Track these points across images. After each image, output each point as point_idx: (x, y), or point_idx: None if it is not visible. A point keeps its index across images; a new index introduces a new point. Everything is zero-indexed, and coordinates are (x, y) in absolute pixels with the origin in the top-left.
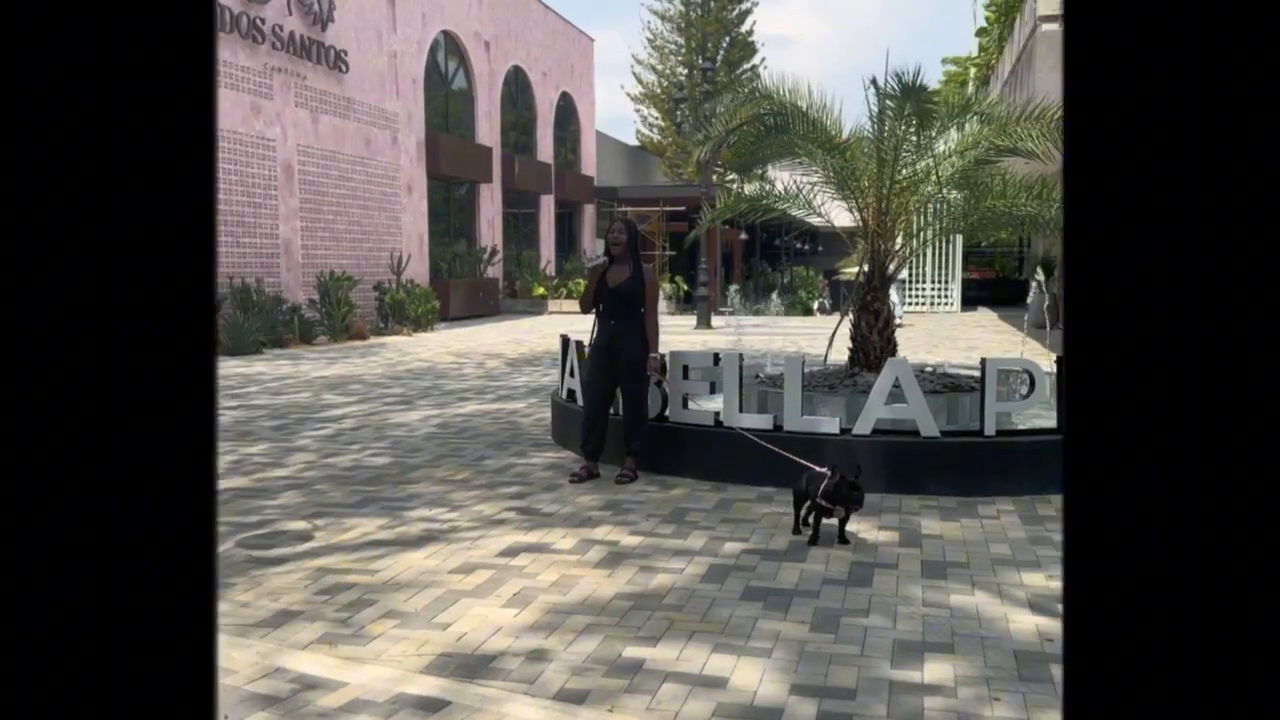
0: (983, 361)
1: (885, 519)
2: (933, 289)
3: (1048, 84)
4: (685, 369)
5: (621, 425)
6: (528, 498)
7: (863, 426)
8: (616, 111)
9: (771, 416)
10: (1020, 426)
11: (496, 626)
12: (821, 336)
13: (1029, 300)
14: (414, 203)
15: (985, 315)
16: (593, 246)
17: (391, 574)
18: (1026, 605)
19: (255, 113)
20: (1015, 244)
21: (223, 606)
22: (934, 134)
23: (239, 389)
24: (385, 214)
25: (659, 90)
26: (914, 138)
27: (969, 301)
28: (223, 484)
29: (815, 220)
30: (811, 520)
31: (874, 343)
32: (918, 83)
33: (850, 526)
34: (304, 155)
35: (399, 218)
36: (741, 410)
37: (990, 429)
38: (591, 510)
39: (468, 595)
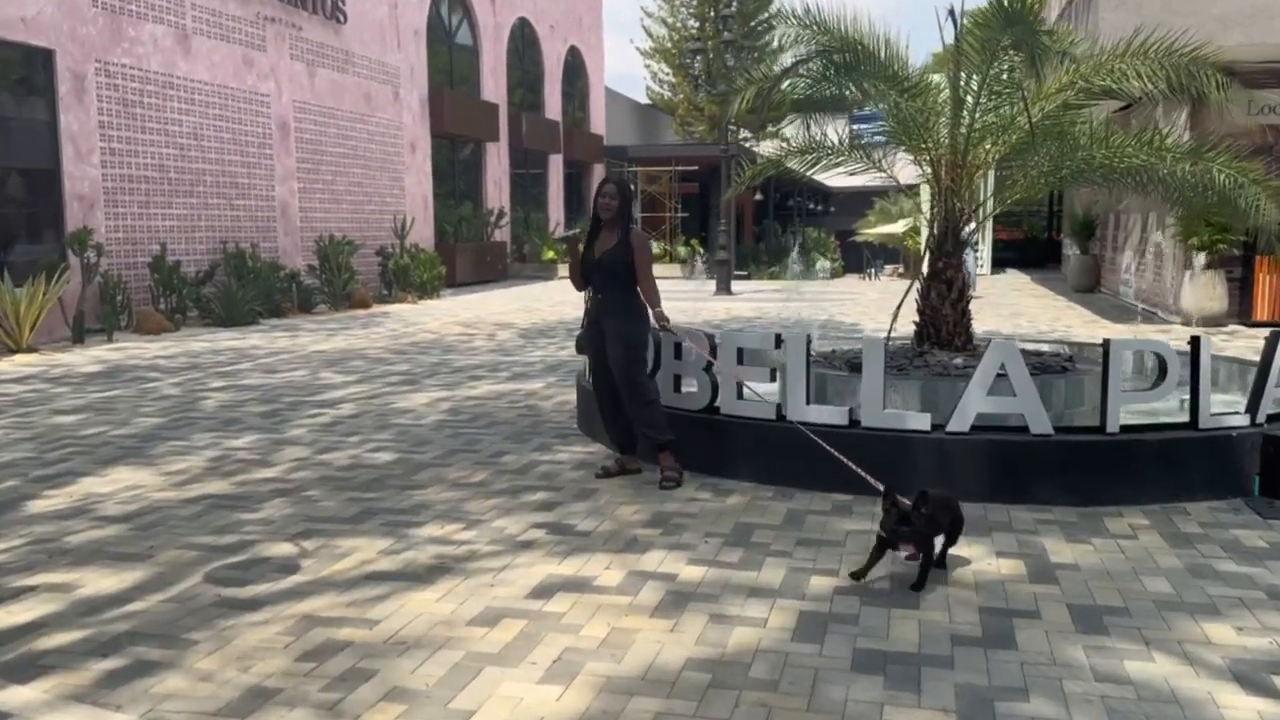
0: (1106, 343)
1: (999, 540)
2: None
3: (1112, 23)
4: (740, 353)
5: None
6: (557, 509)
7: (960, 423)
8: (624, 69)
9: (846, 410)
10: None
11: (537, 718)
12: (850, 302)
13: (1070, 262)
14: (417, 162)
15: (1017, 278)
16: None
17: (395, 626)
18: (1229, 676)
19: (247, 66)
20: (1043, 203)
21: (178, 682)
22: (1046, 72)
23: (229, 366)
24: (387, 175)
25: (670, 44)
26: (1006, 76)
27: (996, 264)
28: (197, 489)
29: (861, 177)
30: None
31: (946, 316)
32: (1024, 8)
33: (960, 548)
34: (300, 112)
35: (402, 178)
36: (810, 402)
37: (1113, 425)
38: (636, 527)
39: (493, 661)
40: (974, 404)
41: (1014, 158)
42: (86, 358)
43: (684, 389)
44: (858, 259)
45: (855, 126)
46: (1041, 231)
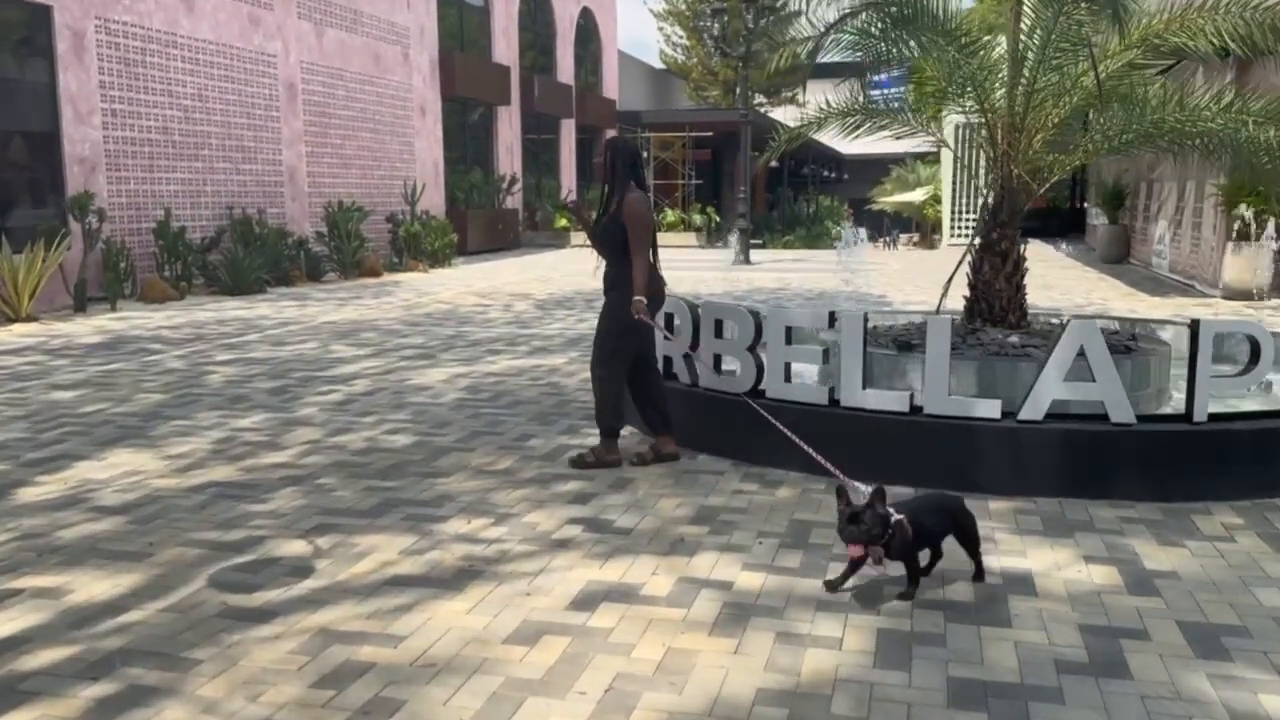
0: (1195, 324)
1: (1084, 542)
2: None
3: None
4: (789, 332)
5: (655, 393)
6: (592, 501)
7: (1033, 410)
8: (636, 34)
9: (907, 396)
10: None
11: None
12: (873, 272)
13: (1097, 233)
14: (428, 126)
15: (1039, 248)
16: None
17: (423, 643)
18: None
19: (254, 25)
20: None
21: (177, 713)
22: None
23: (236, 338)
24: (397, 139)
25: (684, 6)
26: (1075, 32)
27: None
28: (203, 475)
29: (875, 144)
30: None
31: (1000, 290)
32: None
33: (1043, 551)
34: (308, 73)
35: (412, 143)
36: (867, 387)
37: (1201, 414)
38: (681, 524)
39: (536, 690)
40: (1049, 389)
41: (1075, 121)
42: (88, 327)
43: (724, 369)
44: (874, 228)
45: (873, 92)
46: (1064, 201)
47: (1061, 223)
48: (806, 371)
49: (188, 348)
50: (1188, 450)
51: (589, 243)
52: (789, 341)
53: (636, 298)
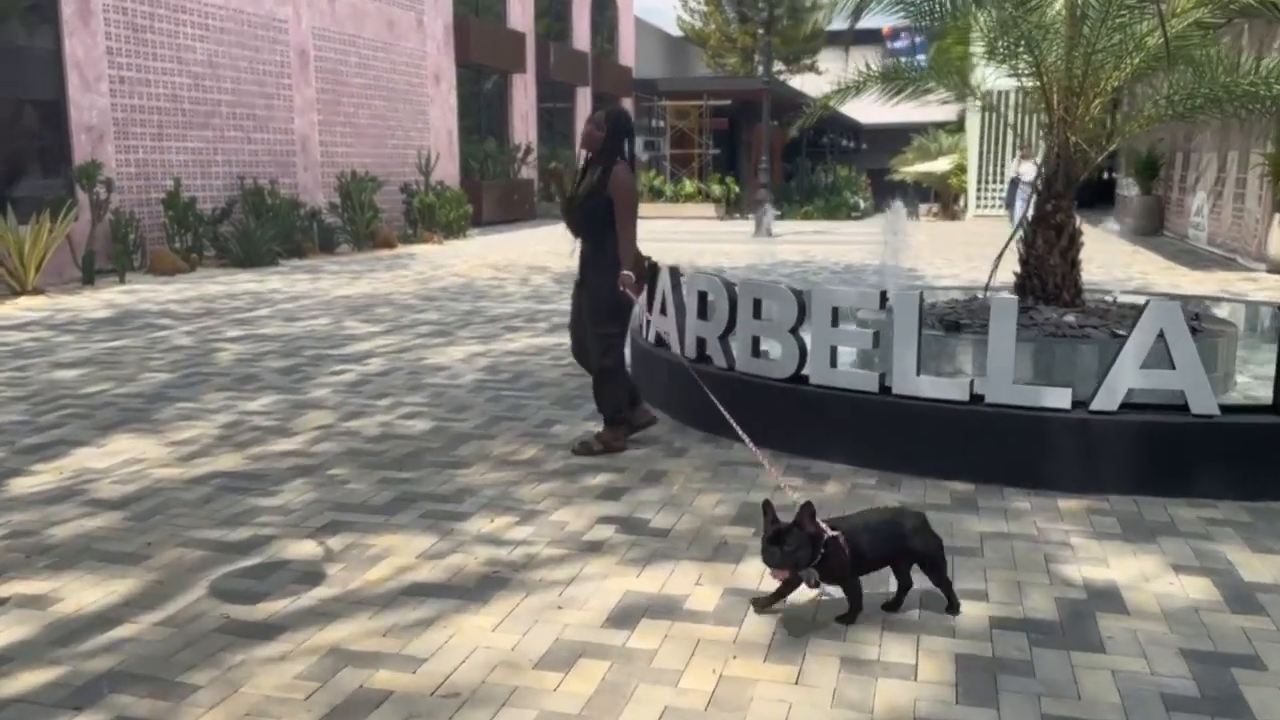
0: None
1: (1168, 547)
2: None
3: None
4: (834, 313)
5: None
6: (624, 496)
7: (1108, 399)
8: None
9: (966, 384)
10: None
11: None
12: (897, 244)
13: (1129, 204)
14: (442, 95)
15: None
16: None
17: (446, 666)
18: None
19: None
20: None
21: None
22: None
23: (247, 312)
24: (411, 107)
25: None
26: None
27: None
28: (207, 464)
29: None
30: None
31: (1054, 267)
32: None
33: (1127, 559)
34: (320, 39)
35: (426, 111)
36: (920, 373)
37: None
38: (722, 524)
39: None
40: (1126, 377)
41: (1138, 83)
42: (95, 301)
43: (763, 352)
44: (898, 197)
45: (888, 60)
46: (1094, 171)
47: (1089, 194)
48: (845, 355)
49: (197, 323)
50: (1272, 444)
51: (563, 218)
52: (835, 323)
53: (625, 272)
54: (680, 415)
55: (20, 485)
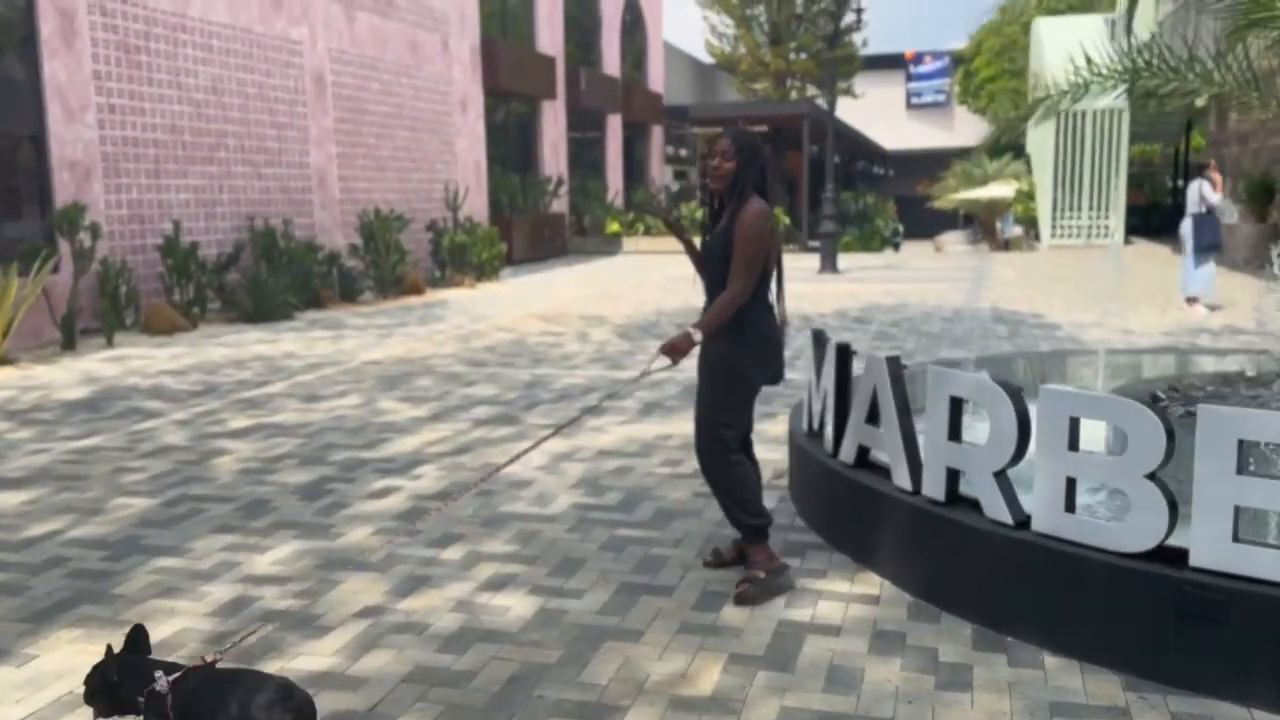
0: None
1: None
2: (1090, 217)
3: None
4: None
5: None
6: None
7: None
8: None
9: None
10: None
11: None
12: (984, 281)
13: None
14: (469, 124)
15: (1152, 247)
16: (661, 174)
17: None
18: None
19: (275, 7)
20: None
21: None
22: None
23: (257, 388)
24: (437, 137)
25: None
26: None
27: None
28: None
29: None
30: None
31: None
32: None
33: None
34: (338, 63)
35: (453, 142)
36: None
37: None
38: None
39: None
40: None
41: None
42: (73, 373)
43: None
44: (924, 226)
45: (911, 84)
46: (1165, 195)
47: (1162, 221)
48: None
49: (193, 407)
50: None
51: (693, 268)
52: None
53: (690, 329)
54: (911, 585)
55: None
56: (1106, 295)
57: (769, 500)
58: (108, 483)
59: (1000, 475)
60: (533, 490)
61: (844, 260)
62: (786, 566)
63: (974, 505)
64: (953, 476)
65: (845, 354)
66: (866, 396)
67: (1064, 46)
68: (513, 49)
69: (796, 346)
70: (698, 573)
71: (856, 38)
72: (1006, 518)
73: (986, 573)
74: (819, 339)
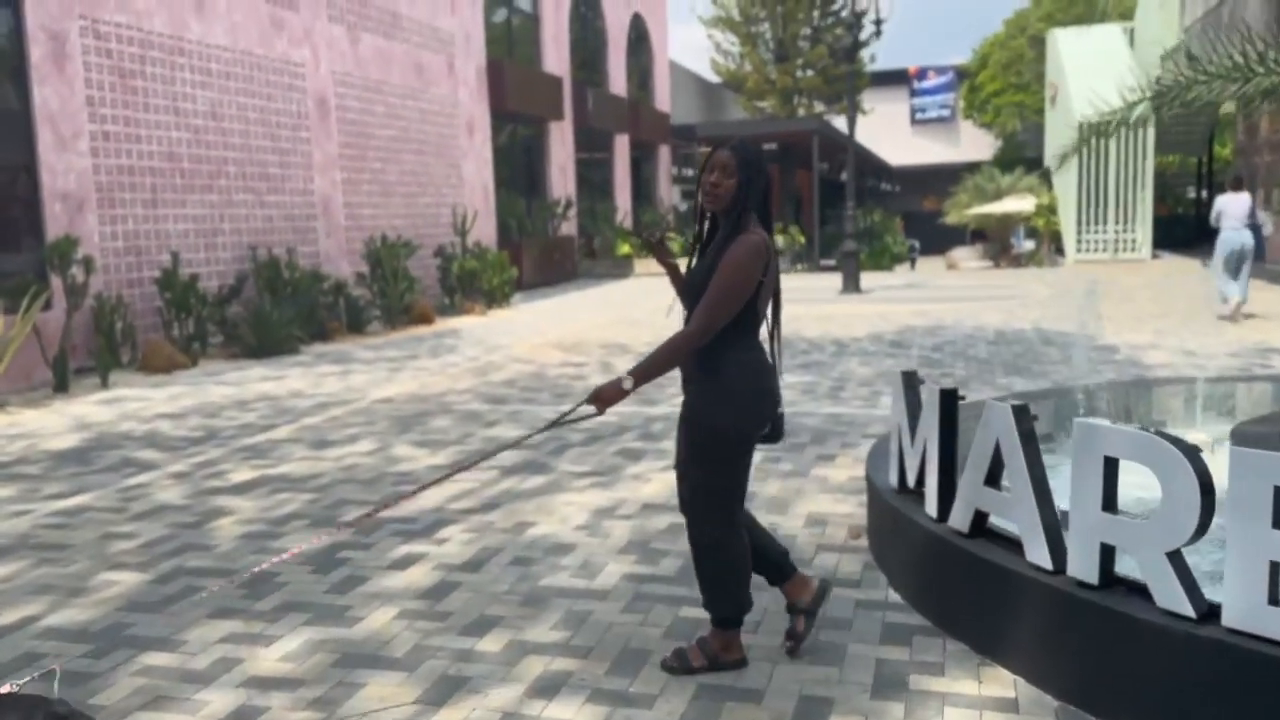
0: None
1: None
2: (1116, 231)
3: None
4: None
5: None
6: None
7: None
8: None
9: None
10: None
11: None
12: (1017, 301)
13: (1274, 245)
14: (476, 146)
15: (1181, 262)
16: (669, 193)
17: None
18: None
19: (277, 28)
20: (1190, 174)
21: None
22: None
23: (261, 433)
24: (444, 161)
25: (736, 11)
26: None
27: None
28: None
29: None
30: None
31: None
32: None
33: None
34: (342, 85)
35: (459, 165)
36: None
37: None
38: None
39: None
40: None
41: None
42: (64, 419)
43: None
44: (930, 242)
45: (915, 99)
46: (1189, 206)
47: (1187, 233)
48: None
49: (192, 457)
50: None
51: (678, 298)
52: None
53: (623, 376)
54: (1054, 686)
55: None
56: (1150, 313)
57: (852, 564)
58: (94, 552)
59: (1175, 555)
60: (576, 557)
61: (863, 279)
62: (744, 663)
63: (1134, 588)
64: (1107, 554)
65: (951, 400)
66: (986, 454)
67: (1083, 57)
68: (519, 70)
69: (864, 375)
70: (788, 667)
71: (865, 54)
72: (1186, 609)
73: (1159, 676)
74: (910, 381)
